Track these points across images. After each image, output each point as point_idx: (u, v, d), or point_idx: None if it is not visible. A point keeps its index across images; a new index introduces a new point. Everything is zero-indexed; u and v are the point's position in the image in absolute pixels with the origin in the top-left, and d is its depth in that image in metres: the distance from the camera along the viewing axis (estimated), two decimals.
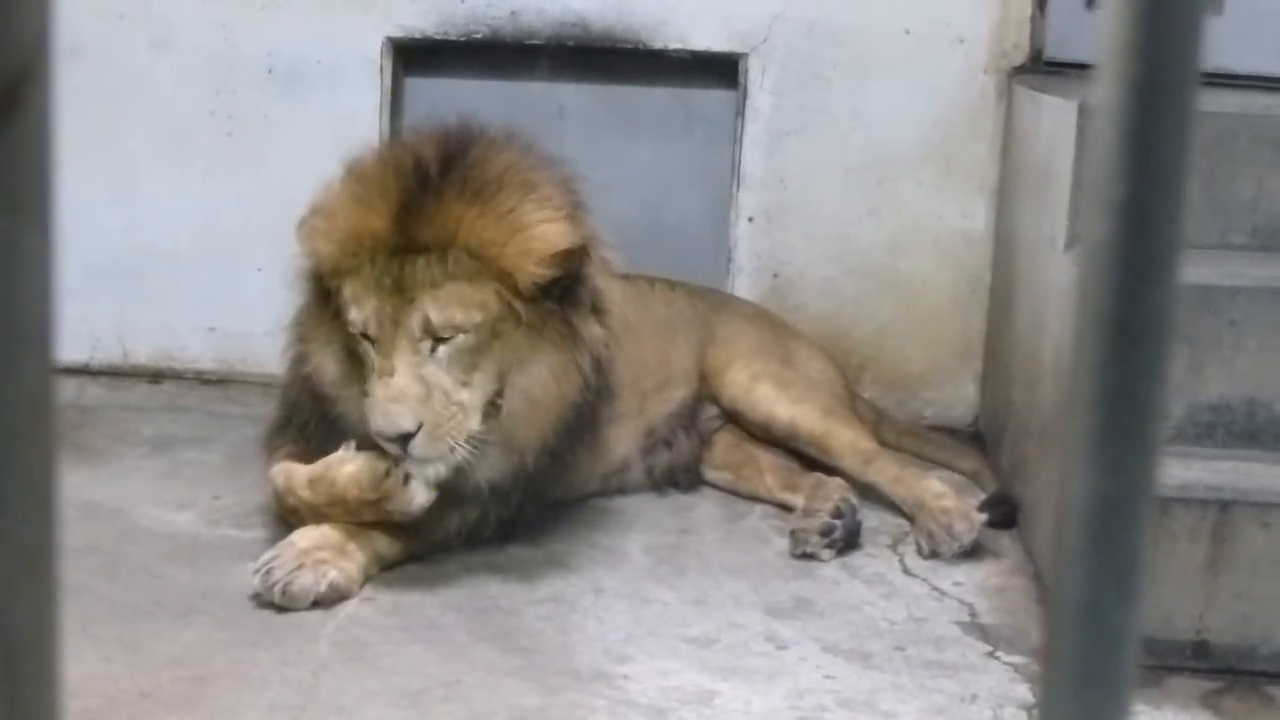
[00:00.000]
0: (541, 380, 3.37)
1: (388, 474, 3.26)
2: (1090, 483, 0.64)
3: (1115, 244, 0.63)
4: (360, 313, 3.26)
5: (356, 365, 3.35)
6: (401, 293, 3.25)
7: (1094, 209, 0.64)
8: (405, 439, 3.19)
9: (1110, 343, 0.64)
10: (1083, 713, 0.65)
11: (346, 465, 3.30)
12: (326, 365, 3.43)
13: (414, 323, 3.24)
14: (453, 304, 3.25)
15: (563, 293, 3.35)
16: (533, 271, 3.27)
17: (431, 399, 3.22)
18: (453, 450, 3.24)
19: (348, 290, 3.29)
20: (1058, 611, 0.66)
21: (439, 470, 3.27)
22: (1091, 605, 0.65)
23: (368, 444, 3.31)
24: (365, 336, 3.27)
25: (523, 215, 3.31)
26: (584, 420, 3.51)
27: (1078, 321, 0.65)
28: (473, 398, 3.28)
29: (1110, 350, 0.64)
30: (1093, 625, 0.65)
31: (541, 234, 3.30)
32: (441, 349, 3.26)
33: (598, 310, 3.45)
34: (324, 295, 3.40)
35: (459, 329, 3.25)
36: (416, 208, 3.27)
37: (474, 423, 3.27)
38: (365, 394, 3.28)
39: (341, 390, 3.41)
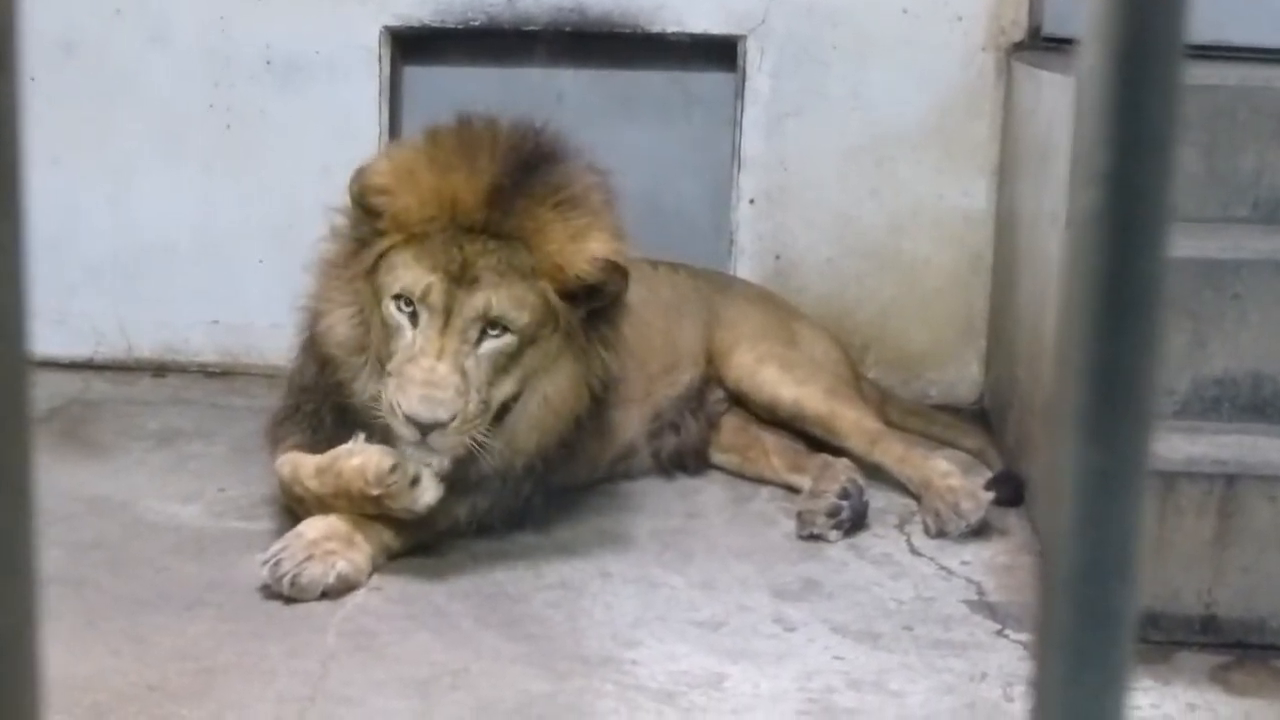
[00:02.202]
0: (560, 389, 3.41)
1: (393, 470, 3.24)
2: (1082, 456, 0.63)
3: (1103, 214, 0.62)
4: (418, 282, 3.23)
5: (367, 334, 3.33)
6: (465, 276, 3.25)
7: (1081, 179, 0.63)
8: (431, 428, 3.18)
9: (1100, 314, 0.63)
10: (1077, 691, 0.64)
11: (353, 458, 3.29)
12: (338, 327, 3.38)
13: (472, 310, 3.24)
14: (511, 300, 3.27)
15: (595, 311, 3.39)
16: (583, 268, 3.30)
17: (468, 393, 3.21)
18: (468, 449, 3.25)
19: (408, 253, 3.26)
20: (1051, 588, 0.65)
21: (443, 464, 3.27)
22: (1085, 581, 0.64)
23: (376, 437, 3.31)
24: (407, 307, 3.25)
25: (589, 229, 3.35)
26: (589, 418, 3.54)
27: (1067, 293, 0.64)
28: (494, 398, 3.30)
29: (1100, 322, 0.63)
30: (1087, 602, 0.64)
31: (599, 240, 3.34)
32: (485, 345, 3.27)
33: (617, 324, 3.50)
34: (354, 250, 3.36)
35: (508, 326, 3.27)
36: (507, 195, 3.27)
37: (486, 422, 3.28)
38: (383, 367, 3.27)
39: (349, 356, 3.38)
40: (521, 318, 3.28)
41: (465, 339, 3.24)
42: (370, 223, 3.32)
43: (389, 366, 3.26)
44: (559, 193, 3.34)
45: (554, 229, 3.30)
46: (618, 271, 3.35)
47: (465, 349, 3.23)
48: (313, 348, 3.50)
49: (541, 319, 3.31)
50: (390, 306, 3.27)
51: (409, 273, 3.25)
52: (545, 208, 3.31)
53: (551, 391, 3.40)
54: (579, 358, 3.41)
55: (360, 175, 3.35)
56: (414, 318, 3.25)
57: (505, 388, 3.32)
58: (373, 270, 3.32)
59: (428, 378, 3.17)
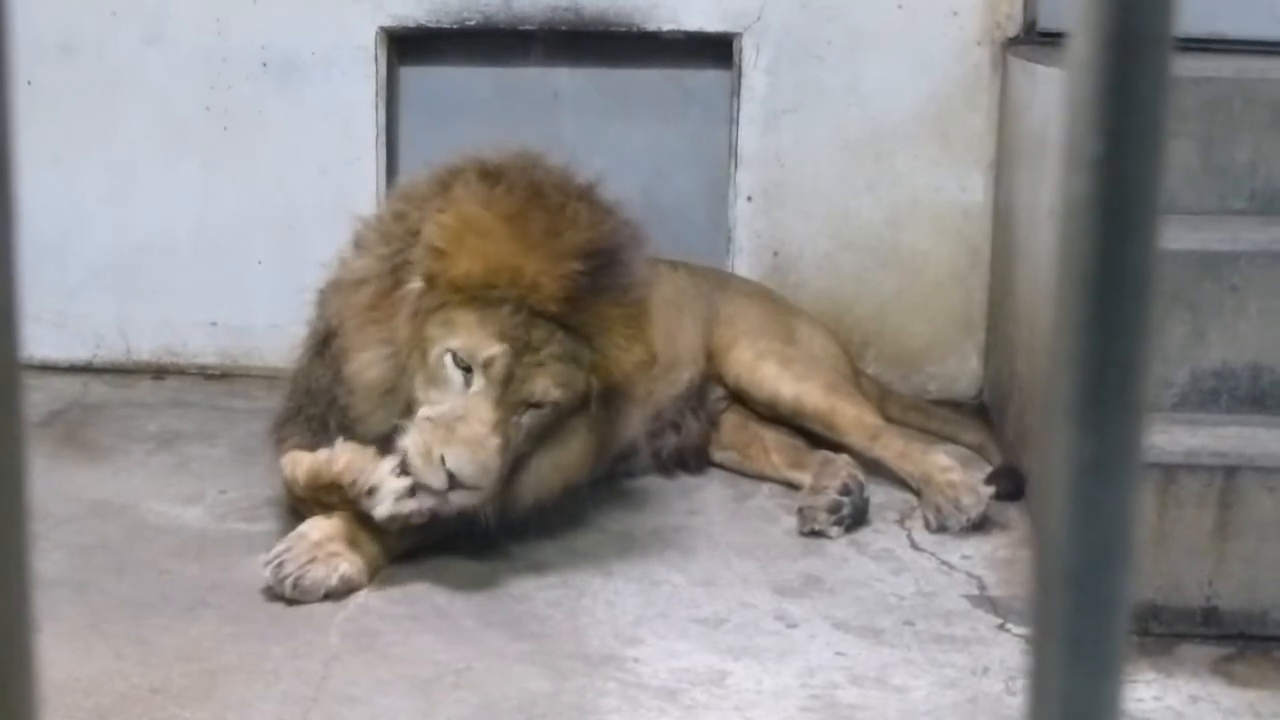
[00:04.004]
0: (569, 455, 3.44)
1: (354, 483, 3.26)
2: (1076, 445, 0.63)
3: (1093, 201, 0.63)
4: (481, 348, 3.19)
5: (400, 376, 3.27)
6: (528, 355, 3.23)
7: (1071, 166, 0.63)
8: (465, 488, 3.17)
9: (1091, 302, 0.63)
10: (1074, 681, 0.65)
11: (340, 459, 3.30)
12: (371, 369, 3.30)
13: (529, 392, 3.24)
14: (565, 387, 3.29)
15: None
16: (628, 372, 3.37)
17: (503, 457, 3.22)
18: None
19: (471, 315, 3.21)
20: (1046, 577, 0.65)
21: (411, 508, 3.24)
22: (1081, 570, 0.64)
23: (357, 438, 3.34)
24: (461, 365, 3.21)
25: (639, 334, 3.39)
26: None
27: (1058, 281, 0.64)
28: (514, 455, 3.32)
29: (1091, 310, 0.63)
30: (1083, 591, 0.65)
31: (645, 345, 3.40)
32: (526, 416, 3.27)
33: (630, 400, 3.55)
34: (392, 283, 3.30)
35: (553, 405, 3.29)
36: (585, 292, 3.24)
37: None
38: (409, 406, 3.25)
39: (380, 397, 3.31)
40: (565, 400, 3.31)
41: (514, 412, 3.24)
42: (420, 272, 3.26)
43: (425, 412, 3.22)
44: (626, 295, 3.35)
45: (614, 331, 3.32)
46: (649, 369, 3.44)
47: (512, 420, 3.24)
48: (324, 362, 3.47)
49: (579, 402, 3.35)
50: (446, 360, 3.22)
51: (472, 337, 3.20)
52: (613, 309, 3.32)
53: (561, 457, 3.42)
54: (593, 428, 3.44)
55: (424, 231, 3.28)
56: (467, 375, 3.22)
57: (523, 448, 3.34)
58: (419, 315, 3.25)
59: (481, 442, 3.16)
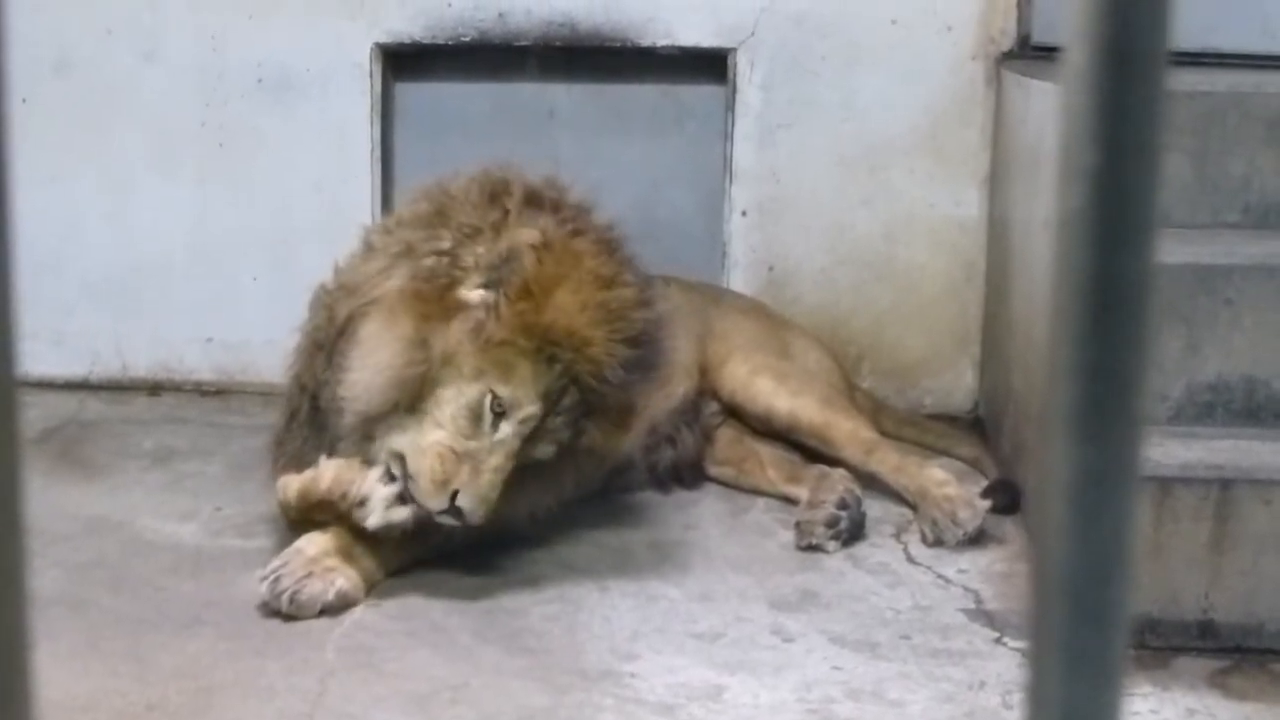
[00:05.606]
0: (527, 490, 3.45)
1: (344, 497, 3.27)
2: (1073, 457, 0.64)
3: (1089, 214, 0.63)
4: (524, 404, 3.23)
5: (417, 378, 3.24)
6: (551, 417, 3.28)
7: (1067, 179, 0.63)
8: (461, 517, 3.22)
9: (1088, 313, 0.63)
10: (1071, 694, 0.65)
11: (326, 475, 3.31)
12: (390, 353, 3.25)
13: (536, 450, 3.30)
14: (558, 442, 3.35)
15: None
16: (611, 450, 3.52)
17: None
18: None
19: (527, 368, 3.22)
20: (1045, 589, 0.65)
21: (403, 516, 3.27)
22: (1079, 582, 0.65)
23: (343, 444, 3.37)
24: (499, 411, 3.22)
25: (631, 420, 3.49)
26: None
27: (1055, 293, 0.64)
28: None
29: (1089, 321, 0.63)
30: (1081, 602, 0.65)
31: (629, 435, 3.53)
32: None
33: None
34: (442, 287, 3.26)
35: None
36: (618, 378, 3.28)
37: None
38: (413, 404, 3.25)
39: (381, 382, 3.25)
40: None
41: (515, 458, 3.28)
42: (488, 295, 3.25)
43: (440, 438, 3.22)
44: (641, 387, 3.42)
45: (609, 417, 3.38)
46: (621, 451, 3.58)
47: (513, 465, 3.28)
48: (324, 358, 3.46)
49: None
50: (486, 400, 3.22)
51: (521, 390, 3.24)
52: (623, 398, 3.36)
53: (521, 488, 3.43)
54: (553, 475, 3.52)
55: (514, 254, 3.27)
56: (498, 419, 3.23)
57: None
58: (477, 341, 3.24)
59: (495, 487, 3.22)
